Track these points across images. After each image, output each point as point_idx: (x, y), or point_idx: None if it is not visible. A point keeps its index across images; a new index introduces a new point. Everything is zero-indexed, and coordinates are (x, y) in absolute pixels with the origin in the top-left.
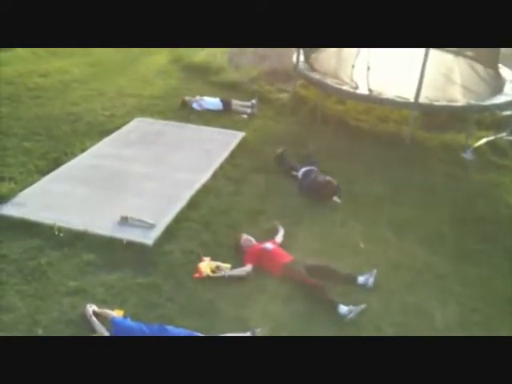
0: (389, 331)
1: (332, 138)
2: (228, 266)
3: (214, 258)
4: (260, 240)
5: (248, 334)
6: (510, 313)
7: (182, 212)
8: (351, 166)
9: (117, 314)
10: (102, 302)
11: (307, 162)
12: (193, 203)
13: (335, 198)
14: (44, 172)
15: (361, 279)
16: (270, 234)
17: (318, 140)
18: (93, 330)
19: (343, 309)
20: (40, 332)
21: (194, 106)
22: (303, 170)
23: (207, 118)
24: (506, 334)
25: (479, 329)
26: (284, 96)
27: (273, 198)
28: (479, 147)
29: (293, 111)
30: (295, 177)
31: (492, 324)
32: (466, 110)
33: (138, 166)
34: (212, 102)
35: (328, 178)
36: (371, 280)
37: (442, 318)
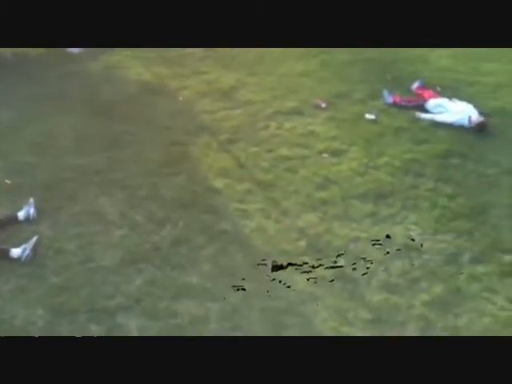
0: (69, 248)
1: None
2: None
3: None
4: None
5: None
6: None
7: None
8: None
9: None
10: None
11: None
12: None
13: None
14: None
15: (22, 214)
16: None
17: None
18: None
19: (16, 252)
20: None
21: None
22: None
23: None
24: None
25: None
26: None
27: None
28: None
29: None
30: None
31: None
32: None
33: None
34: None
35: None
36: (32, 210)
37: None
